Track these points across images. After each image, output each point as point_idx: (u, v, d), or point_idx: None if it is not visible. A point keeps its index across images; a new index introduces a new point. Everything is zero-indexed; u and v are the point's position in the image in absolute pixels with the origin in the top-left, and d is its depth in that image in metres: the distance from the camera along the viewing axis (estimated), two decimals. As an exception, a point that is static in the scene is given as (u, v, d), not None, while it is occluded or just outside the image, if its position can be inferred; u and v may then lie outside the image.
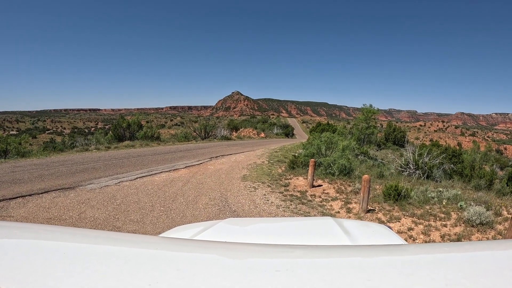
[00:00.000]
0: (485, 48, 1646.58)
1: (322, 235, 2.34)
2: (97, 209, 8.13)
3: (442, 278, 0.93)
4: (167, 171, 13.32)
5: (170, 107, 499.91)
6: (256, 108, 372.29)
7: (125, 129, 27.20)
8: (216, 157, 18.98)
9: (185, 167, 14.66)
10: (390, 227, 2.88)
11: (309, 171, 12.42)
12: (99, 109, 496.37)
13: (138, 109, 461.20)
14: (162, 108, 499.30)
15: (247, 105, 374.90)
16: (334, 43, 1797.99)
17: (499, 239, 7.97)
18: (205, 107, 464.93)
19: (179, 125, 77.77)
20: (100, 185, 10.35)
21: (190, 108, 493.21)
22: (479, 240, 7.92)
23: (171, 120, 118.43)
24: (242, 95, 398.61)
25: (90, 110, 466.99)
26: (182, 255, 1.12)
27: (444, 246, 1.52)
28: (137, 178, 11.71)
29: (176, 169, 14.01)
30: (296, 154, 18.61)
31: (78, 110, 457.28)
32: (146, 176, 12.17)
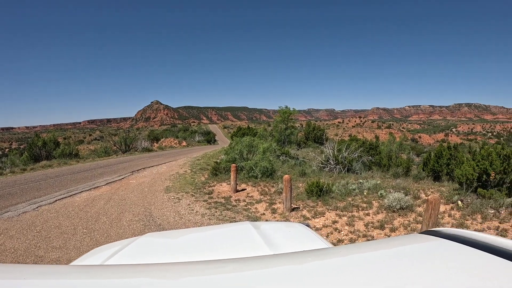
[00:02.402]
0: (396, 44, 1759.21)
1: (241, 242, 2.38)
2: (16, 239, 7.60)
3: (364, 278, 1.04)
4: (87, 190, 12.79)
5: (88, 121, 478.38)
6: (176, 116, 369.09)
7: (41, 148, 25.53)
8: (138, 170, 18.62)
9: (107, 183, 14.19)
10: (308, 225, 2.98)
11: (232, 176, 12.53)
12: (12, 128, 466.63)
13: (54, 125, 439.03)
14: (80, 123, 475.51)
15: (167, 114, 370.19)
16: (251, 47, 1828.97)
17: (412, 233, 8.51)
18: (125, 119, 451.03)
19: (98, 140, 74.65)
20: (17, 212, 9.67)
21: (109, 121, 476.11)
22: (401, 224, 8.43)
23: (90, 135, 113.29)
24: (161, 104, 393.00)
25: (2, 129, 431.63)
26: (92, 283, 1.09)
27: (360, 246, 1.65)
28: (56, 200, 11.10)
29: (97, 186, 13.51)
30: (218, 161, 18.70)
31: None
32: (66, 197, 11.58)
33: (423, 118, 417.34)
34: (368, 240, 7.60)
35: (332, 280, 1.04)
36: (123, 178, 15.71)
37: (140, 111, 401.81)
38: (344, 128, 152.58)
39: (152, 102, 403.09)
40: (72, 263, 2.20)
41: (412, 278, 1.03)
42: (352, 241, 7.59)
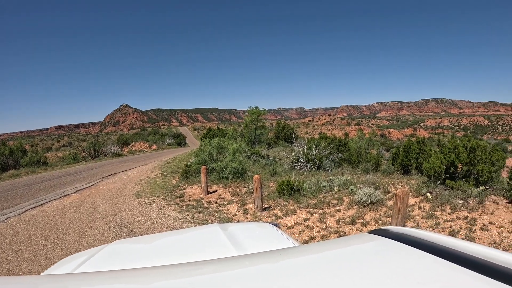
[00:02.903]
0: (363, 41, 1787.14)
1: (210, 245, 2.38)
2: (-14, 254, 7.35)
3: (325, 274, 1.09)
4: (57, 199, 12.50)
5: (56, 127, 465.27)
6: (146, 120, 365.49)
7: (7, 156, 24.92)
8: (108, 176, 18.42)
9: (76, 191, 13.94)
10: (277, 224, 3.02)
11: (202, 179, 12.48)
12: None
13: (21, 132, 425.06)
14: (47, 129, 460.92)
15: (136, 117, 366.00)
16: (219, 47, 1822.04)
17: (362, 232, 8.64)
18: (93, 124, 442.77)
19: (67, 146, 72.80)
20: (-15, 225, 9.36)
21: (77, 126, 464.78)
22: (372, 218, 8.54)
23: (58, 141, 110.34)
24: (130, 107, 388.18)
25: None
26: None
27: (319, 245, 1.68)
28: (25, 211, 10.79)
29: (67, 195, 13.23)
30: (188, 163, 18.60)
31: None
32: (35, 207, 11.29)
33: (391, 114, 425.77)
34: (340, 235, 7.65)
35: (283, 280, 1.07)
36: (93, 185, 15.48)
37: (109, 115, 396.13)
38: (314, 127, 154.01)
39: (121, 105, 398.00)
40: (42, 274, 2.11)
41: (348, 278, 1.05)
42: (324, 237, 7.64)
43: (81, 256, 2.34)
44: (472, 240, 7.08)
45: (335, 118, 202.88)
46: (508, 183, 9.34)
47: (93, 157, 32.57)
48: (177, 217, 9.83)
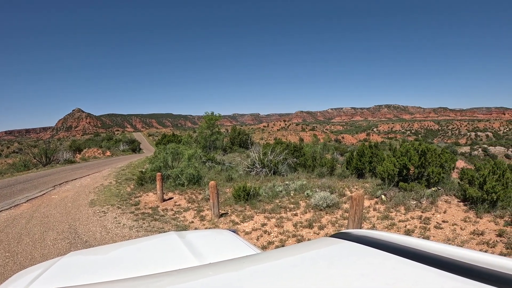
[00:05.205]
0: (317, 48, 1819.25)
1: (167, 254, 2.38)
2: None
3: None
4: (7, 209, 11.93)
5: (6, 132, 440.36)
6: (99, 125, 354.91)
7: None
8: (60, 184, 17.83)
9: (27, 200, 13.38)
10: (235, 231, 3.05)
11: (158, 186, 12.37)
12: None
13: None
14: None
15: (89, 122, 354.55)
16: (174, 51, 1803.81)
17: (322, 237, 8.79)
18: (45, 129, 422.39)
19: (17, 152, 69.47)
20: None
21: (28, 131, 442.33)
22: (329, 221, 8.68)
23: (8, 147, 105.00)
24: (83, 112, 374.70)
25: None
26: None
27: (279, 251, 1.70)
28: None
29: (17, 204, 12.67)
30: (143, 170, 18.41)
31: None
32: None
33: (345, 120, 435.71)
34: (299, 240, 7.75)
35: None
36: (44, 194, 14.95)
37: (61, 120, 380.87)
38: (269, 132, 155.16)
39: (73, 110, 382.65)
40: None
41: (315, 283, 1.06)
42: (282, 241, 7.69)
43: (35, 270, 2.26)
44: (427, 238, 7.34)
45: (290, 124, 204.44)
46: (458, 183, 9.79)
47: (45, 164, 31.55)
48: (133, 225, 9.64)
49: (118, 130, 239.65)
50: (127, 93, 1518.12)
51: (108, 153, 52.06)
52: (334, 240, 1.54)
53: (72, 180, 19.49)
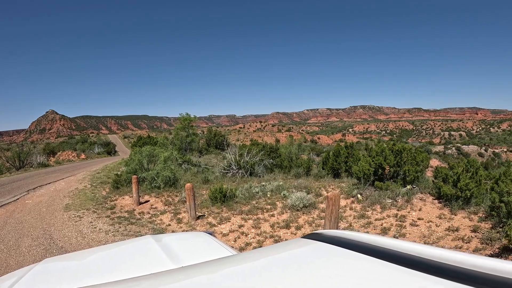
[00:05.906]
0: (292, 49, 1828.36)
1: (144, 258, 2.37)
2: None
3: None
4: None
5: None
6: (74, 127, 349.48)
7: None
8: (34, 188, 17.41)
9: (0, 206, 13.03)
10: (212, 233, 3.07)
11: (133, 189, 12.23)
12: None
13: None
14: None
15: (64, 125, 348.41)
16: (148, 52, 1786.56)
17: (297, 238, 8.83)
18: (18, 131, 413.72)
19: None
20: None
21: (0, 134, 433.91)
22: (306, 221, 8.73)
23: None
24: (57, 114, 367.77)
25: None
26: None
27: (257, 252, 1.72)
28: None
29: None
30: (119, 173, 18.17)
31: None
32: None
33: (321, 121, 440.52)
34: (276, 241, 7.75)
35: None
36: (18, 199, 14.59)
37: (34, 122, 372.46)
38: (245, 133, 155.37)
39: (47, 112, 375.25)
40: None
41: (287, 284, 1.07)
42: (260, 242, 7.69)
43: (10, 278, 2.20)
44: (403, 235, 7.45)
45: (266, 125, 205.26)
46: (433, 181, 9.98)
47: (18, 168, 30.84)
48: (109, 230, 9.51)
49: (93, 133, 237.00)
50: (102, 95, 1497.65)
51: (83, 156, 51.26)
52: (306, 241, 1.56)
53: (46, 184, 19.08)
